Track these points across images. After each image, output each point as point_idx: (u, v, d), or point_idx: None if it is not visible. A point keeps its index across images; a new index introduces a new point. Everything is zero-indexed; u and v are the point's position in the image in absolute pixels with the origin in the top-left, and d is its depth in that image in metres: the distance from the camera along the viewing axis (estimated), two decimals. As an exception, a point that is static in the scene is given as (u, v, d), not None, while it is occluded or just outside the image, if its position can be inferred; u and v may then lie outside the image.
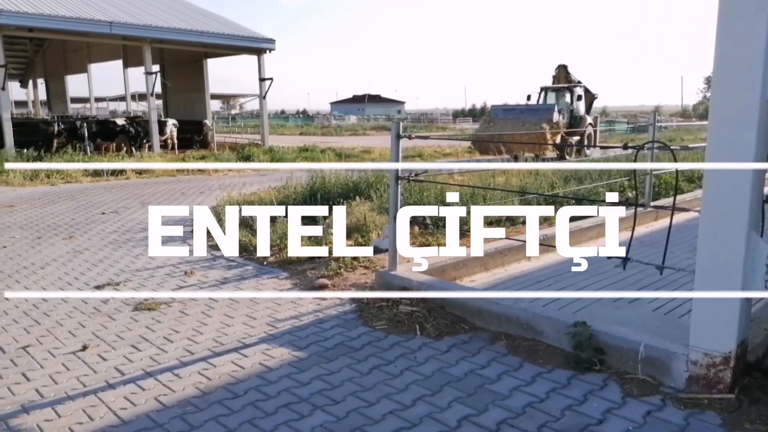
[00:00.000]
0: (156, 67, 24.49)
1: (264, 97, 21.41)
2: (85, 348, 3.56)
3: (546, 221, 7.24)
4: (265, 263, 5.50)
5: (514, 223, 7.15)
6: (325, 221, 6.55)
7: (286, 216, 6.68)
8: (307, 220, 6.90)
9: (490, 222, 7.01)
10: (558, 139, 17.73)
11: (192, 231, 7.09)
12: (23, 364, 3.34)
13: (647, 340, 2.97)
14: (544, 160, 17.47)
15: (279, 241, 5.90)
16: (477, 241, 3.84)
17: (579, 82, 20.87)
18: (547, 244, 4.68)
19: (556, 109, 18.26)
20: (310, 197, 8.03)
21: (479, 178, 9.67)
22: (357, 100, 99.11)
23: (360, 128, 49.84)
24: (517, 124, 17.65)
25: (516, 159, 17.34)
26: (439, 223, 6.75)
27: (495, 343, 3.50)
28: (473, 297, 3.76)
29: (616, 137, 33.38)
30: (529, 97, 20.54)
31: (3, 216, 8.32)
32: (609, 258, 3.22)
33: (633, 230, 3.24)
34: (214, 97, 45.20)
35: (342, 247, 5.51)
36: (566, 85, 20.12)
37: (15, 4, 16.15)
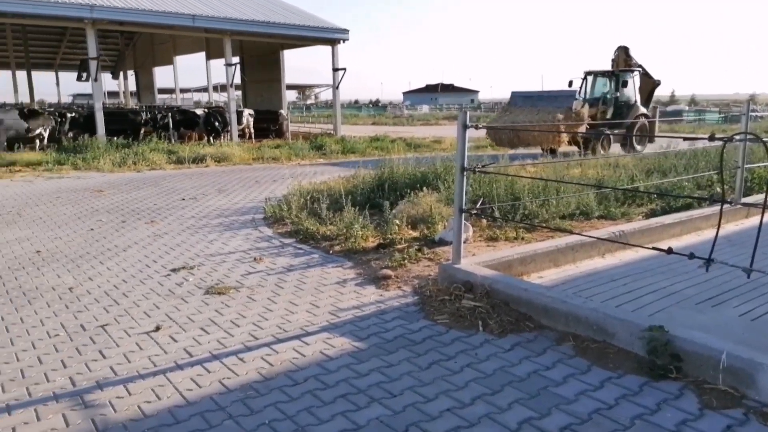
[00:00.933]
0: (236, 59, 25.40)
1: (337, 87, 21.66)
2: (158, 329, 3.73)
3: (624, 216, 6.92)
4: (331, 252, 5.55)
5: (588, 217, 6.85)
6: (391, 212, 6.55)
7: (353, 206, 6.84)
8: (374, 210, 6.97)
9: (562, 216, 6.77)
10: (582, 130, 15.25)
11: (264, 218, 7.35)
12: (101, 342, 3.54)
13: (730, 349, 2.74)
14: (553, 153, 15.56)
15: (345, 231, 5.95)
16: (546, 235, 3.67)
17: (639, 66, 17.98)
18: (620, 242, 4.43)
19: (580, 96, 16.02)
20: (377, 188, 8.04)
21: (553, 170, 9.33)
22: (430, 89, 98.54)
23: (432, 118, 49.49)
24: (532, 113, 15.59)
25: (553, 152, 15.77)
26: (508, 216, 6.58)
27: (562, 343, 3.35)
28: (540, 294, 3.61)
29: (706, 128, 31.25)
30: (570, 84, 17.86)
31: (93, 200, 8.88)
32: (690, 257, 2.99)
33: (718, 229, 2.99)
34: (290, 87, 46.26)
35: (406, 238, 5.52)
36: (610, 70, 17.40)
37: None
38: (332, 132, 22.35)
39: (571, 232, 4.88)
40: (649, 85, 18.25)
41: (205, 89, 39.97)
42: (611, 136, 16.40)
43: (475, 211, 4.23)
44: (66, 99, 44.44)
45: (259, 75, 26.78)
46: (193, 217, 7.51)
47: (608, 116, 16.72)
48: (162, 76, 38.98)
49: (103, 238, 6.39)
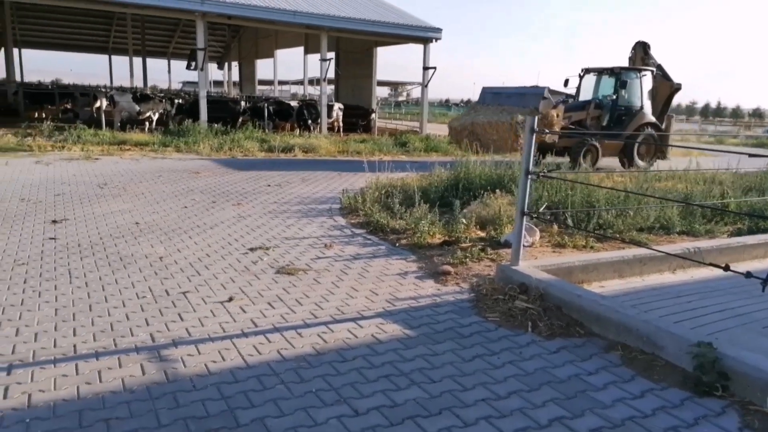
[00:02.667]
0: (331, 54, 26.21)
1: (426, 86, 21.83)
2: (231, 299, 4.10)
3: (707, 233, 6.61)
4: (397, 245, 5.76)
5: (668, 231, 6.61)
6: (462, 211, 6.66)
7: (425, 203, 7.00)
8: (446, 209, 7.10)
9: (640, 228, 6.58)
10: (550, 136, 12.80)
11: (340, 208, 7.68)
12: (181, 306, 3.95)
13: (783, 374, 2.66)
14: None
15: (414, 225, 6.13)
16: (617, 247, 3.67)
17: (658, 66, 15.15)
18: (690, 259, 4.31)
19: (548, 95, 13.08)
20: (452, 186, 8.14)
21: (637, 179, 9.02)
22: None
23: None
24: (494, 113, 13.23)
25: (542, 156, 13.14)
26: (581, 224, 6.50)
27: (609, 351, 3.35)
28: (593, 301, 3.62)
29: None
30: (566, 83, 15.45)
31: (189, 180, 9.62)
32: (746, 276, 2.91)
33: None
34: (381, 84, 47.00)
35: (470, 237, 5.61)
36: (609, 68, 14.61)
37: (217, -5, 18.35)
38: (418, 130, 22.56)
39: (638, 245, 4.79)
40: (666, 89, 15.16)
41: (301, 82, 41.49)
42: (599, 148, 13.56)
43: (536, 216, 4.25)
44: (176, 85, 47.63)
45: (352, 70, 27.48)
46: (276, 203, 7.98)
47: (603, 123, 14.23)
48: (263, 68, 40.78)
49: (194, 215, 6.96)
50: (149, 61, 38.11)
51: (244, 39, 37.53)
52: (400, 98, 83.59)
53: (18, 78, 31.61)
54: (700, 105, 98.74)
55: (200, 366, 3.07)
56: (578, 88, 15.51)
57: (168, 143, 14.86)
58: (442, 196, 7.90)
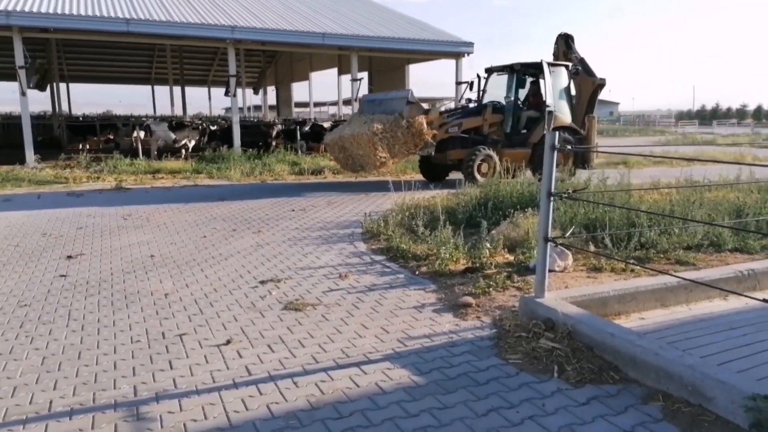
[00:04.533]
0: (363, 74, 26.17)
1: (459, 101, 21.44)
2: (228, 342, 3.80)
3: (765, 250, 5.97)
4: (417, 273, 5.37)
5: (720, 249, 6.00)
6: (489, 233, 6.22)
7: (452, 224, 6.60)
8: (474, 230, 6.68)
9: (687, 246, 5.99)
10: (425, 146, 11.14)
11: (362, 233, 7.35)
12: (174, 351, 3.67)
13: None
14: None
15: (436, 250, 5.74)
16: (662, 268, 3.20)
17: (581, 59, 13.36)
18: (741, 294, 3.77)
19: (414, 98, 11.08)
20: (480, 206, 7.71)
21: (682, 192, 8.35)
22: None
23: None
24: (360, 124, 11.30)
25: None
26: (620, 243, 5.97)
27: (648, 402, 2.87)
28: (629, 341, 3.14)
29: None
30: (470, 85, 13.46)
31: (214, 208, 9.50)
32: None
33: None
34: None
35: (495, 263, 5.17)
36: (508, 65, 12.79)
37: (247, 20, 18.53)
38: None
39: (671, 269, 4.26)
40: (588, 86, 13.13)
41: (336, 103, 41.79)
42: (494, 157, 11.71)
43: (560, 243, 3.81)
44: (220, 112, 48.71)
45: (385, 88, 27.34)
46: (297, 229, 7.72)
47: (507, 130, 12.49)
48: (300, 90, 41.32)
49: (211, 246, 6.76)
50: (193, 90, 39.15)
51: (280, 64, 38.07)
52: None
53: (66, 111, 32.94)
54: (751, 107, 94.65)
55: (178, 426, 2.76)
56: (480, 92, 13.45)
57: (200, 170, 14.94)
58: (471, 216, 7.48)
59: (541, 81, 12.35)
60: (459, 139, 12.00)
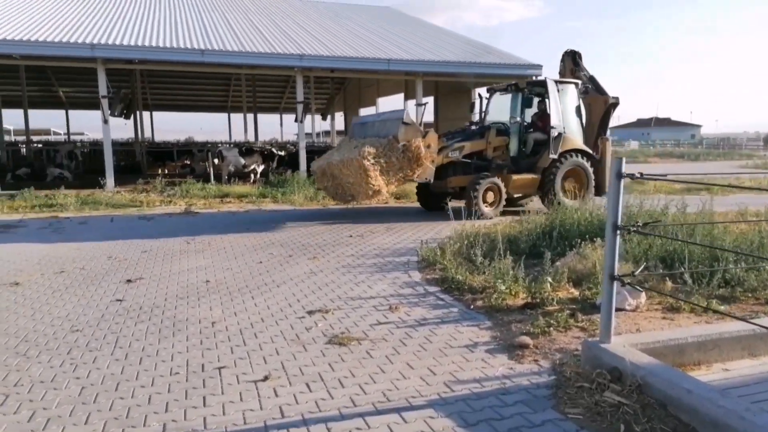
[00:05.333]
0: (429, 98, 26.11)
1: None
2: (266, 378, 3.63)
3: None
4: (472, 307, 5.04)
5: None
6: (553, 264, 5.81)
7: (514, 254, 6.23)
8: (538, 261, 6.27)
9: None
10: (424, 172, 9.99)
11: (418, 261, 7.09)
12: (210, 386, 3.53)
13: None
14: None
15: (493, 282, 5.39)
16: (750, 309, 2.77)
17: (590, 77, 12.50)
18: None
19: (410, 119, 10.05)
20: (545, 234, 7.27)
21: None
22: (641, 124, 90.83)
23: (641, 155, 45.21)
24: (350, 149, 10.22)
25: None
26: (702, 279, 5.39)
27: (735, 477, 2.43)
28: (709, 400, 2.70)
29: None
30: (471, 107, 12.97)
31: (274, 233, 9.54)
32: None
33: None
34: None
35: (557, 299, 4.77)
36: (513, 83, 11.83)
37: (315, 48, 18.94)
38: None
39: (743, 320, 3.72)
40: (600, 105, 12.20)
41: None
42: (500, 186, 10.80)
43: (628, 282, 3.40)
44: (291, 137, 50.16)
45: (451, 113, 27.13)
46: (352, 255, 7.56)
47: (513, 154, 11.46)
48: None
49: (266, 272, 6.70)
50: (266, 116, 40.49)
51: (349, 90, 38.76)
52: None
53: (149, 138, 34.88)
54: None
55: (200, 473, 2.58)
56: (483, 113, 12.68)
57: (266, 194, 15.21)
58: (534, 245, 7.06)
59: (546, 101, 11.43)
60: (460, 165, 11.06)
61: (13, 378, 3.65)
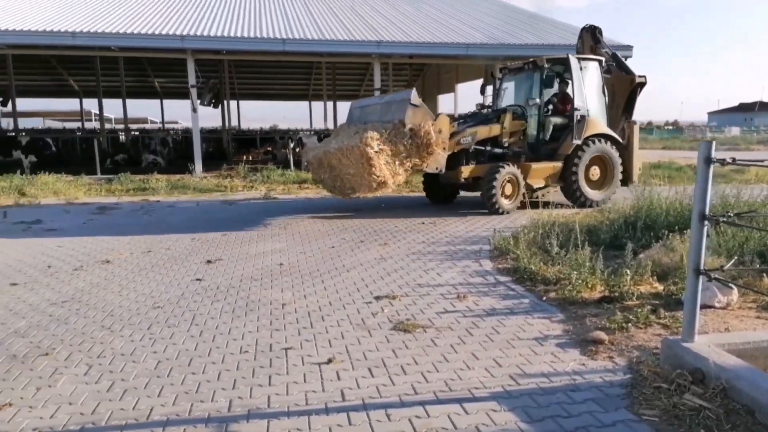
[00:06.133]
0: (511, 84, 25.36)
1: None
2: (329, 361, 3.66)
3: None
4: (544, 298, 4.84)
5: None
6: (635, 257, 5.48)
7: (593, 245, 5.93)
8: (619, 252, 5.93)
9: None
10: (435, 161, 8.88)
11: (491, 250, 6.92)
12: (276, 366, 3.60)
13: None
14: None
15: (568, 274, 5.15)
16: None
17: (613, 54, 11.19)
18: None
19: (418, 100, 8.76)
20: (629, 225, 6.87)
21: None
22: (744, 108, 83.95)
23: (742, 142, 41.87)
24: (350, 135, 9.05)
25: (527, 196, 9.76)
26: (806, 276, 4.89)
27: (835, 498, 2.16)
28: (807, 411, 2.42)
29: None
30: (482, 88, 11.86)
31: (345, 219, 9.63)
32: None
33: None
34: (570, 109, 44.48)
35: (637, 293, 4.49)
36: (531, 60, 10.50)
37: (393, 34, 18.89)
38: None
39: None
40: (625, 84, 10.97)
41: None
42: (517, 176, 9.75)
43: (714, 277, 3.10)
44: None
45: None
46: (423, 242, 7.49)
47: (530, 140, 10.42)
48: (445, 102, 41.39)
49: (337, 256, 6.78)
50: (346, 104, 41.06)
51: (428, 76, 38.46)
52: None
53: (236, 126, 36.36)
54: None
55: (260, 450, 2.64)
56: (495, 95, 11.59)
57: (342, 180, 15.42)
58: (616, 236, 6.70)
59: (570, 80, 10.26)
60: (472, 153, 9.95)
61: (97, 350, 3.90)
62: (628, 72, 11.11)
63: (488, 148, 10.06)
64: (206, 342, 4.04)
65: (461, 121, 10.53)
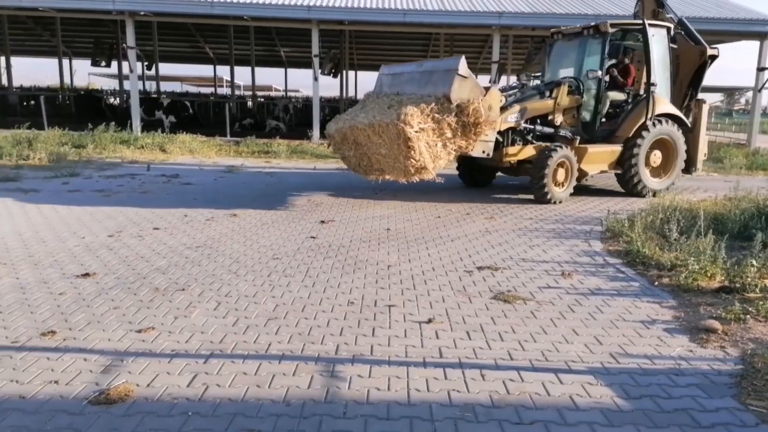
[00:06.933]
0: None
1: (760, 90, 17.89)
2: (429, 321, 3.84)
3: None
4: (656, 283, 4.67)
5: None
6: (764, 249, 5.10)
7: (720, 233, 5.58)
8: (744, 244, 5.54)
9: None
10: (483, 145, 7.57)
11: (602, 231, 6.71)
12: (379, 320, 3.85)
13: None
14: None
15: (685, 260, 4.91)
16: None
17: (679, 21, 9.47)
18: None
19: (466, 71, 7.25)
20: (762, 215, 6.34)
21: None
22: None
23: None
24: (382, 109, 7.49)
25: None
26: None
27: None
28: None
29: None
30: (528, 58, 11.03)
31: (451, 191, 9.69)
32: None
33: None
34: (709, 89, 40.68)
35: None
36: (589, 26, 8.90)
37: (516, 5, 18.32)
38: (744, 142, 18.68)
39: None
40: (694, 57, 9.38)
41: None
42: (572, 160, 8.46)
43: None
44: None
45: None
46: (531, 219, 7.41)
47: (586, 118, 9.05)
48: (567, 77, 39.48)
49: (442, 226, 6.92)
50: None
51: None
52: (737, 106, 71.72)
53: (353, 96, 37.29)
54: None
55: (362, 391, 2.88)
56: (545, 65, 10.05)
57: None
58: (746, 226, 6.23)
59: (646, 49, 8.81)
60: (519, 131, 8.63)
61: (225, 290, 4.37)
62: (698, 42, 9.64)
63: (537, 126, 8.73)
64: (318, 293, 4.38)
65: (507, 95, 8.86)
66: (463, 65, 7.21)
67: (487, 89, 7.65)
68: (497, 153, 8.36)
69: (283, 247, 5.73)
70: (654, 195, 9.04)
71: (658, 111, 9.00)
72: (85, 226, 6.38)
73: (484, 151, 7.77)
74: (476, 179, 10.09)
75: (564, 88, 8.76)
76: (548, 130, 8.79)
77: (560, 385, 2.98)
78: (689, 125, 9.65)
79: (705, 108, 10.01)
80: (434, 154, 7.04)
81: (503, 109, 8.18)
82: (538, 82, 9.97)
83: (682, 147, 9.35)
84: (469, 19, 17.81)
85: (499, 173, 10.13)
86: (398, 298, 4.30)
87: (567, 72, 9.51)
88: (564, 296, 4.38)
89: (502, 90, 8.63)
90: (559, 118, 8.84)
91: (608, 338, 3.60)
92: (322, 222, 7.00)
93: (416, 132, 6.73)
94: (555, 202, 8.47)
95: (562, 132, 8.86)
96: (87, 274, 4.64)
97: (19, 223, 6.42)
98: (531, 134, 8.71)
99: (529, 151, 8.63)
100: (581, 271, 5.06)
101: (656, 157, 9.25)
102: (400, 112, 6.73)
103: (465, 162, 9.68)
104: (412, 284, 4.63)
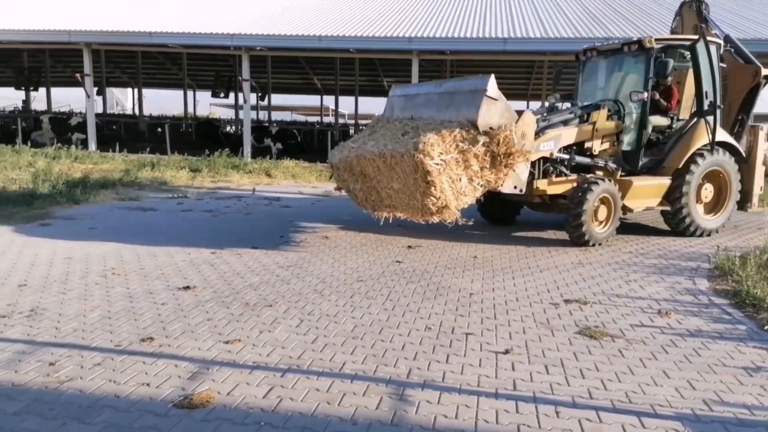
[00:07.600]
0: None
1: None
2: (507, 352, 3.74)
3: None
4: (766, 327, 4.24)
5: None
6: None
7: None
8: None
9: None
10: (515, 179, 6.24)
11: (711, 269, 6.20)
12: (455, 347, 3.81)
13: None
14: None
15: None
16: None
17: (726, 37, 8.48)
18: None
19: (496, 92, 5.85)
20: None
21: None
22: None
23: None
24: (395, 136, 6.22)
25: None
26: None
27: None
28: None
29: None
30: (557, 77, 11.36)
31: (545, 219, 9.38)
32: None
33: None
34: (763, 117, 36.49)
35: None
36: (631, 41, 7.80)
37: (624, 29, 17.62)
38: None
39: None
40: (746, 78, 8.31)
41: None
42: (614, 194, 7.23)
43: None
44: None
45: None
46: (630, 252, 7.00)
47: (628, 146, 7.93)
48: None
49: (532, 256, 6.73)
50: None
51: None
52: None
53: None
54: None
55: (429, 417, 2.87)
56: (577, 84, 8.88)
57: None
58: None
59: (700, 68, 7.66)
60: (551, 161, 7.39)
61: (309, 308, 4.53)
62: (749, 61, 8.50)
63: (573, 156, 7.48)
64: (396, 316, 4.42)
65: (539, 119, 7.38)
66: (492, 85, 6.07)
67: (519, 113, 6.52)
68: (527, 186, 6.92)
69: (369, 270, 5.85)
70: (708, 235, 8.07)
71: (713, 140, 7.90)
72: (191, 244, 6.90)
73: (516, 186, 6.48)
74: (498, 215, 8.99)
75: (603, 112, 7.67)
76: (586, 160, 7.67)
77: (642, 429, 2.79)
78: (744, 155, 8.54)
79: (762, 135, 8.75)
80: (458, 191, 5.90)
81: (536, 135, 6.95)
82: (568, 104, 8.69)
83: (736, 179, 8.26)
84: (573, 46, 17.37)
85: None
86: (477, 326, 4.24)
87: (601, 94, 8.57)
88: (658, 336, 4.10)
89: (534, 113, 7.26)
90: (597, 146, 7.71)
91: (703, 383, 3.32)
92: (409, 247, 7.07)
93: (437, 164, 5.62)
94: (593, 244, 7.23)
95: (601, 162, 7.76)
96: (188, 287, 5.01)
97: (135, 239, 7.07)
98: (566, 164, 7.55)
99: (564, 185, 7.52)
100: (681, 310, 4.71)
101: (707, 191, 8.16)
102: (417, 141, 5.65)
103: (488, 195, 7.33)
104: (493, 313, 4.55)
